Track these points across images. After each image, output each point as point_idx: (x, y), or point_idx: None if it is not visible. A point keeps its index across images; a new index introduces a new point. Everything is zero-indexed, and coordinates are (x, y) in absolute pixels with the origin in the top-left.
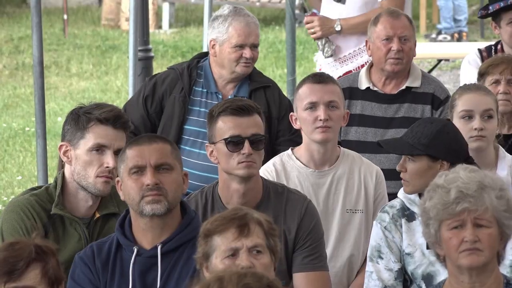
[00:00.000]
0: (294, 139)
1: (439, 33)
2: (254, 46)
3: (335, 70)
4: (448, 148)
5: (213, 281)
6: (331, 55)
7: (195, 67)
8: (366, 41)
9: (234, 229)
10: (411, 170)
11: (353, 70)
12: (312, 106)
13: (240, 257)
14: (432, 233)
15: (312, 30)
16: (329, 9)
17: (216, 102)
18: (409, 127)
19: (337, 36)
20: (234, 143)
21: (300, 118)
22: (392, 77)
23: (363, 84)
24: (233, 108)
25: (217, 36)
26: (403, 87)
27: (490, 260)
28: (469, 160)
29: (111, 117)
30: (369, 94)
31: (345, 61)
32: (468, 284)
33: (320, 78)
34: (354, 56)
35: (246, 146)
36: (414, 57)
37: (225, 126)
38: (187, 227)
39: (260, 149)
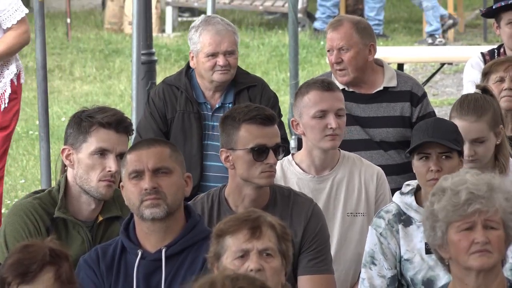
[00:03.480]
0: None
1: (431, 36)
2: (229, 53)
3: None
4: (463, 144)
5: (206, 285)
6: None
7: (189, 80)
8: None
9: (246, 230)
10: (449, 168)
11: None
12: (322, 114)
13: (250, 259)
14: (439, 236)
15: None
16: None
17: (206, 113)
18: (424, 127)
19: None
20: (260, 152)
21: (307, 125)
22: (356, 83)
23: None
24: (262, 117)
25: (192, 47)
26: (381, 88)
27: (497, 263)
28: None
29: (113, 121)
30: (345, 95)
31: None
32: (473, 287)
33: (328, 85)
34: None
35: (271, 157)
36: (369, 61)
37: (251, 135)
38: (191, 231)
39: (280, 158)
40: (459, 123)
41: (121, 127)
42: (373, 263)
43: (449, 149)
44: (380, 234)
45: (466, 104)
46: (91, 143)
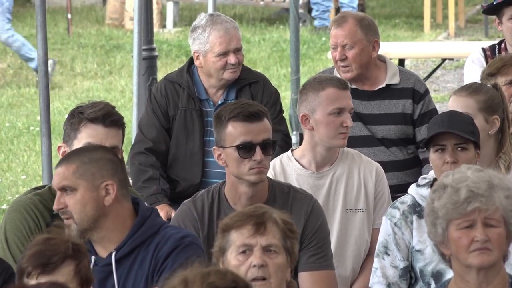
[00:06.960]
0: (276, 127)
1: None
2: (237, 50)
3: None
4: (479, 137)
5: (178, 283)
6: None
7: (191, 77)
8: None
9: (250, 226)
10: (465, 159)
11: None
12: (339, 111)
13: (253, 254)
14: (440, 233)
15: None
16: None
17: (209, 109)
18: (439, 119)
19: None
20: (246, 149)
21: (320, 121)
22: (358, 80)
23: None
24: (245, 114)
25: (199, 47)
26: (383, 85)
27: (498, 260)
28: None
29: (100, 115)
30: None
31: None
32: (474, 284)
33: (345, 84)
34: None
35: (258, 153)
36: (373, 57)
37: (236, 132)
38: (140, 229)
39: (270, 154)
40: (452, 99)
41: (108, 121)
42: (386, 253)
43: (464, 140)
44: (395, 224)
45: (464, 85)
46: (81, 139)
